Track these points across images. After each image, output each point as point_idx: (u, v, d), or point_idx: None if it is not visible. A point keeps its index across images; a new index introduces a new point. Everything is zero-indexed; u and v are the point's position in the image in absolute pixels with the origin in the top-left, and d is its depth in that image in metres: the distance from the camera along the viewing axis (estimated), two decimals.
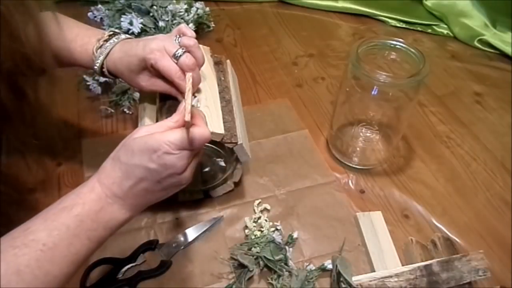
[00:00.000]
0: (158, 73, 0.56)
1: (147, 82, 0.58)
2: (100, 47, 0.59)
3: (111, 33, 0.60)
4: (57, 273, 0.41)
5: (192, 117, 0.46)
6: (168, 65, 0.54)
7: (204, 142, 0.46)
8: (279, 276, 0.60)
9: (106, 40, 0.59)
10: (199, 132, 0.45)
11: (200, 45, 0.73)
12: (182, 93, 0.57)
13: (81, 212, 0.43)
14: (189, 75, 0.47)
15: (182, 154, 0.45)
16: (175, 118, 0.47)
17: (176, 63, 0.54)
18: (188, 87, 0.45)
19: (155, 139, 0.44)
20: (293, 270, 0.61)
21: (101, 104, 0.85)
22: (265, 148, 0.80)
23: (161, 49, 0.54)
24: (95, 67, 0.60)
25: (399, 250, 0.64)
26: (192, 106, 0.58)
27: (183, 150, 0.45)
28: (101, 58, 0.59)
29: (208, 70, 0.67)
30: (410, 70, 0.65)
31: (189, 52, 0.55)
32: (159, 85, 0.58)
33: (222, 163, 0.64)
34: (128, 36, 0.62)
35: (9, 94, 0.45)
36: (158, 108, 0.65)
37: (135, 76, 0.58)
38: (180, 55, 0.54)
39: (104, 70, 0.60)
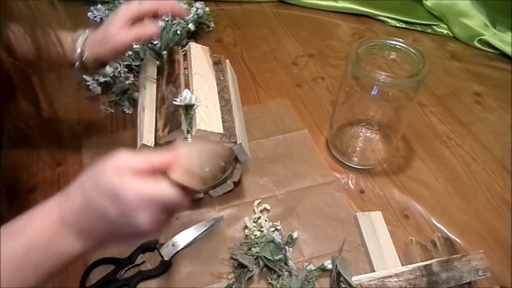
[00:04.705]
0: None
1: (132, 29, 0.63)
2: (77, 38, 0.65)
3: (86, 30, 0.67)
4: None
5: (172, 155, 0.41)
6: None
7: (179, 209, 0.42)
8: (279, 276, 0.60)
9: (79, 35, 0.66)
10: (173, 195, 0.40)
11: (199, 45, 0.73)
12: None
13: (31, 239, 0.40)
14: None
15: (149, 213, 0.40)
16: (162, 156, 0.42)
17: None
18: None
19: (122, 186, 0.39)
20: (293, 270, 0.61)
21: (101, 104, 0.84)
22: (265, 148, 0.80)
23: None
24: (75, 56, 0.64)
25: (399, 250, 0.64)
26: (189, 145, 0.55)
27: (152, 210, 0.40)
28: (80, 41, 0.65)
29: (207, 69, 0.67)
30: (410, 70, 0.65)
31: None
32: (149, 28, 0.64)
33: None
34: None
35: (13, 65, 0.46)
36: (157, 107, 0.65)
37: (118, 31, 0.62)
38: None
39: (84, 58, 0.65)
